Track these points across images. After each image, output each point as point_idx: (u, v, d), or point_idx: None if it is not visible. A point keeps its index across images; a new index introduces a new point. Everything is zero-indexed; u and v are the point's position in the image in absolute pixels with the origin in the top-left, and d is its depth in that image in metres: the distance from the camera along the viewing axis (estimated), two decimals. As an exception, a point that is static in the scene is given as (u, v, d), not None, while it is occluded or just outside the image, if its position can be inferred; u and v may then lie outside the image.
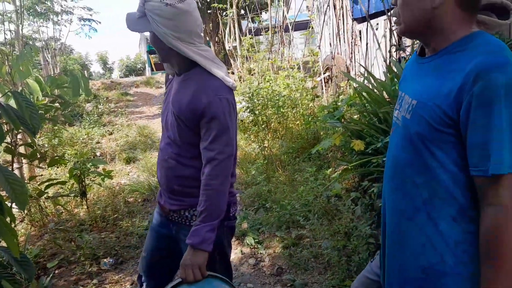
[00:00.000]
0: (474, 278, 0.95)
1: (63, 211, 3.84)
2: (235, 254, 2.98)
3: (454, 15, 0.98)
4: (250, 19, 9.97)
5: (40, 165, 3.18)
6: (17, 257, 1.32)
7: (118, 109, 9.49)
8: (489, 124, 0.87)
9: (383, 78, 4.06)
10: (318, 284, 2.49)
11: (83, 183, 3.78)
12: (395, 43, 4.52)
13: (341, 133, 3.23)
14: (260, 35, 10.51)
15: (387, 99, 3.21)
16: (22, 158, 3.36)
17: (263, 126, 5.27)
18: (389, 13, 4.44)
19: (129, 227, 3.50)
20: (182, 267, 1.33)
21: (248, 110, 5.26)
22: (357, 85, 3.70)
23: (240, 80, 8.52)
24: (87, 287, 2.70)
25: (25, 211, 3.51)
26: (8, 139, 2.61)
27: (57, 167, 5.09)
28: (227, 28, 10.18)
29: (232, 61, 9.78)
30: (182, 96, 1.38)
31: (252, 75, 7.80)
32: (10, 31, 6.16)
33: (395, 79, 3.11)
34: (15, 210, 3.04)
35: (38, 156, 2.78)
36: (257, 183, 4.16)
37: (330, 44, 7.00)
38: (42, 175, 4.95)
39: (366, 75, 3.74)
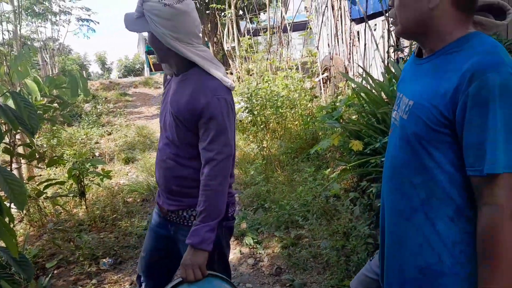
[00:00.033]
0: (472, 278, 0.96)
1: (62, 211, 3.84)
2: (234, 254, 2.98)
3: (451, 16, 0.98)
4: (248, 20, 9.97)
5: (39, 165, 3.18)
6: (16, 257, 1.32)
7: (116, 110, 9.48)
8: (484, 124, 0.88)
9: (381, 79, 4.07)
10: (317, 284, 2.50)
11: (82, 183, 3.78)
12: (393, 44, 4.53)
13: (340, 133, 3.23)
14: (259, 35, 10.52)
15: (385, 100, 3.21)
16: (21, 158, 3.36)
17: (261, 126, 5.27)
18: (387, 14, 4.44)
19: (128, 227, 3.50)
20: (183, 266, 1.33)
21: (246, 111, 5.25)
22: (355, 85, 3.70)
23: (238, 81, 8.51)
24: (86, 287, 2.70)
25: (24, 211, 3.50)
26: (6, 139, 2.61)
27: (56, 167, 5.08)
28: (226, 29, 10.18)
29: (230, 62, 9.79)
30: (180, 97, 1.38)
31: (250, 75, 7.79)
32: (8, 31, 6.16)
33: (393, 80, 3.11)
34: (13, 210, 3.04)
35: (37, 156, 2.79)
36: (256, 183, 4.16)
37: (328, 44, 7.00)
38: (40, 175, 4.94)
39: (364, 75, 3.74)
